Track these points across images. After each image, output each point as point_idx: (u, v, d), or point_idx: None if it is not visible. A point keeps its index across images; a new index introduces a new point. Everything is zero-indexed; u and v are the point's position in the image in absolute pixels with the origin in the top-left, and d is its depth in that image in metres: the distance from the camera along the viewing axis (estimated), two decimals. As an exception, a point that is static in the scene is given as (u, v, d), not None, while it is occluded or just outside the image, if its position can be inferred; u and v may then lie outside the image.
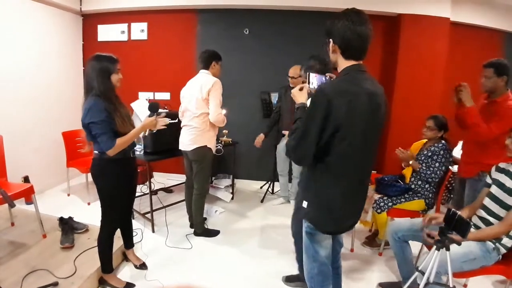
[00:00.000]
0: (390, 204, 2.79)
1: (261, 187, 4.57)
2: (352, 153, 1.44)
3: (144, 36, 4.63)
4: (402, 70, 4.05)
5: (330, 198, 1.51)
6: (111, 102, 2.01)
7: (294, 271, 2.61)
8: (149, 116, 2.21)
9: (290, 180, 4.10)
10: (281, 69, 4.28)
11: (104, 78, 1.99)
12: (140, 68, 4.69)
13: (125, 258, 2.66)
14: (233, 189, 4.31)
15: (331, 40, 1.48)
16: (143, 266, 2.57)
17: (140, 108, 3.13)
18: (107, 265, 2.27)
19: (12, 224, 2.93)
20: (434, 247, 1.74)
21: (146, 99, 2.41)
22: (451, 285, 1.73)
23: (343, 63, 1.48)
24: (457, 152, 4.09)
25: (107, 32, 4.72)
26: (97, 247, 2.24)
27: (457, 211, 1.71)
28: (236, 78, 4.36)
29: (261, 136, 3.97)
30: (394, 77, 4.10)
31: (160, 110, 2.53)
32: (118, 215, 2.28)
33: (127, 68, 4.67)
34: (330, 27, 1.47)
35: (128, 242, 2.60)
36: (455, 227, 1.68)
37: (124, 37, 4.69)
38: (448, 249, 1.70)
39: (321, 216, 1.56)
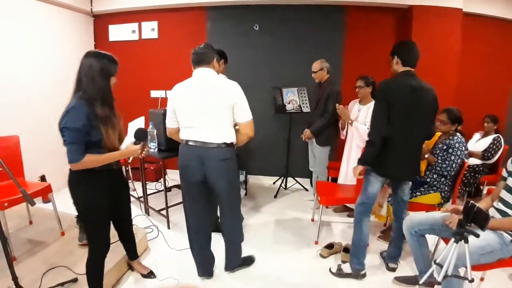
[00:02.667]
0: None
1: (274, 183, 4.57)
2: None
3: (155, 35, 4.66)
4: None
5: None
6: (108, 108, 1.79)
7: (311, 264, 2.63)
8: (135, 143, 1.96)
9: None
10: (292, 64, 4.29)
11: (104, 79, 1.77)
12: (151, 67, 4.74)
13: (130, 267, 2.53)
14: (246, 185, 4.32)
15: (395, 56, 2.26)
16: (150, 274, 2.46)
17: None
18: None
19: (31, 222, 2.99)
20: (453, 239, 1.72)
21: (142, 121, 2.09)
22: (469, 278, 1.71)
23: (400, 69, 2.24)
24: (472, 144, 4.04)
25: (118, 32, 4.76)
26: (85, 273, 1.98)
27: (476, 203, 1.69)
28: (247, 74, 4.35)
29: (306, 132, 3.79)
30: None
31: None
32: (104, 237, 1.96)
33: (138, 67, 4.78)
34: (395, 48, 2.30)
35: (132, 254, 2.45)
36: (473, 219, 1.66)
37: (135, 37, 4.72)
38: (466, 241, 1.68)
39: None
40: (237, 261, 2.54)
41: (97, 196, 1.84)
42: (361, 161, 2.35)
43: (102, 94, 1.76)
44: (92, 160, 1.72)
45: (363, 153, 2.35)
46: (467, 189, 3.95)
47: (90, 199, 1.82)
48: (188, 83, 2.16)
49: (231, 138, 2.16)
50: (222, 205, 2.33)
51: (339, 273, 2.54)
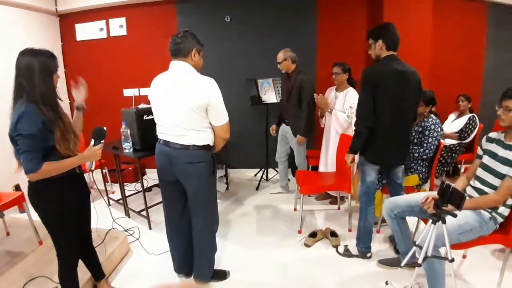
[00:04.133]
0: (384, 181, 2.78)
1: (255, 175, 4.55)
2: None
3: (123, 31, 4.51)
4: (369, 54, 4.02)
5: None
6: (52, 110, 1.61)
7: (294, 256, 2.64)
8: (94, 144, 1.77)
9: (290, 167, 4.09)
10: (266, 55, 4.23)
11: (46, 78, 1.59)
12: (122, 65, 4.60)
13: None
14: (227, 179, 4.29)
15: (380, 40, 2.22)
16: None
17: None
18: None
19: (8, 233, 2.89)
20: (430, 220, 1.73)
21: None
22: (449, 258, 1.73)
23: (384, 54, 2.24)
24: (448, 125, 4.12)
25: (86, 31, 4.59)
26: (60, 284, 1.86)
27: (451, 183, 1.70)
28: (220, 67, 4.27)
29: (272, 127, 3.92)
30: (380, 55, 4.06)
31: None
32: (74, 245, 1.86)
33: (109, 66, 4.65)
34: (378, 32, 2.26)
35: (98, 273, 2.18)
36: (449, 199, 1.67)
37: (103, 35, 4.56)
38: (444, 222, 1.69)
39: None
40: (206, 273, 2.31)
41: (64, 204, 1.72)
42: (351, 150, 2.40)
43: (49, 92, 1.61)
44: (51, 168, 1.57)
45: (351, 142, 2.37)
46: (445, 169, 4.03)
47: (57, 209, 1.70)
48: (163, 78, 2.02)
49: (203, 140, 2.02)
50: (193, 210, 2.17)
51: (346, 254, 2.62)
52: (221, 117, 2.02)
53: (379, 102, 2.19)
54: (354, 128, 2.34)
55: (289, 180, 4.12)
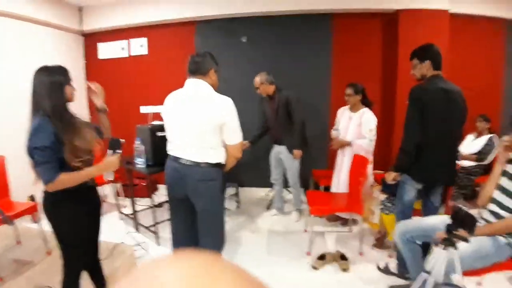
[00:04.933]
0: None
1: (266, 194, 4.51)
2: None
3: (144, 51, 4.68)
4: (404, 67, 3.93)
5: None
6: (63, 122, 1.66)
7: (301, 278, 2.56)
8: (112, 154, 1.83)
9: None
10: (282, 74, 4.26)
11: (57, 92, 1.67)
12: (141, 83, 4.75)
13: None
14: (238, 198, 4.26)
15: (427, 60, 2.24)
16: None
17: None
18: None
19: (18, 242, 2.96)
20: (442, 246, 1.65)
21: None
22: (461, 286, 1.64)
23: (430, 73, 2.25)
24: (466, 145, 3.99)
25: (108, 50, 4.79)
26: None
27: (463, 207, 1.63)
28: (236, 86, 4.33)
29: (245, 143, 3.66)
30: (396, 75, 4.02)
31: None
32: (82, 257, 1.89)
33: (129, 84, 4.80)
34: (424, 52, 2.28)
35: (101, 286, 2.16)
36: (462, 224, 1.60)
37: (125, 53, 4.74)
38: (455, 247, 1.62)
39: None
40: None
41: (76, 216, 1.75)
42: (397, 169, 2.35)
43: (59, 105, 1.68)
44: (68, 178, 1.62)
45: (397, 161, 2.34)
46: (463, 191, 3.88)
47: (69, 221, 1.73)
48: (178, 95, 2.05)
49: (216, 158, 2.02)
50: (201, 227, 2.15)
51: (385, 270, 2.59)
52: (236, 136, 2.04)
53: (427, 120, 2.19)
54: (401, 146, 2.31)
55: (284, 201, 4.04)
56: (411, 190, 2.34)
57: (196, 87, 2.00)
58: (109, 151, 1.84)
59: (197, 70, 2.01)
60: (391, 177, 2.37)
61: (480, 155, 3.78)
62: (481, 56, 4.35)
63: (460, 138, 2.44)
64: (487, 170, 3.85)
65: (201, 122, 1.93)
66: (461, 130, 2.40)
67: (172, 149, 2.09)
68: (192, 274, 0.26)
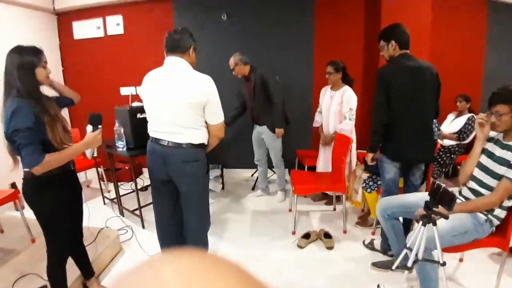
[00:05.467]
0: (379, 182, 2.75)
1: (252, 175, 4.52)
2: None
3: (120, 30, 4.50)
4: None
5: None
6: (40, 104, 1.62)
7: (286, 257, 2.60)
8: (92, 130, 1.78)
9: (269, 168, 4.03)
10: (263, 52, 4.20)
11: (27, 74, 1.60)
12: (119, 64, 4.59)
13: None
14: (223, 179, 4.26)
15: (392, 40, 2.24)
16: None
17: None
18: None
19: (1, 231, 2.90)
20: (420, 222, 1.70)
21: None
22: (441, 261, 1.70)
23: (397, 53, 2.26)
24: (447, 125, 4.07)
25: (83, 29, 4.58)
26: (48, 280, 1.89)
27: (442, 184, 1.66)
28: (216, 65, 4.23)
29: None
30: (377, 54, 3.99)
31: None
32: (66, 240, 1.87)
33: (106, 65, 4.64)
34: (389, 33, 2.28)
35: (87, 271, 2.18)
36: (440, 200, 1.63)
37: (101, 33, 4.55)
38: (434, 224, 1.66)
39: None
40: None
41: (57, 200, 1.74)
42: (370, 149, 2.42)
43: (32, 88, 1.62)
44: (53, 159, 1.59)
45: (370, 140, 2.40)
46: (444, 170, 3.99)
47: (51, 205, 1.72)
48: (157, 74, 1.97)
49: (199, 139, 1.99)
50: (185, 209, 2.15)
51: (369, 247, 2.67)
52: (218, 116, 2.01)
53: (395, 99, 2.22)
54: (371, 127, 2.35)
55: (269, 182, 4.07)
56: (390, 168, 2.38)
57: (175, 65, 1.95)
58: (89, 127, 1.79)
59: (176, 48, 1.94)
60: (369, 158, 2.44)
61: (460, 134, 3.86)
62: (463, 35, 4.37)
63: (434, 115, 2.45)
64: (467, 149, 3.95)
65: (181, 102, 1.88)
66: (435, 106, 2.40)
67: (153, 130, 2.04)
68: (192, 273, 0.26)
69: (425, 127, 2.34)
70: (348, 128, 3.15)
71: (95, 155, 1.88)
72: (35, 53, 1.65)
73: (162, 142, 1.98)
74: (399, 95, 2.21)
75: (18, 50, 1.61)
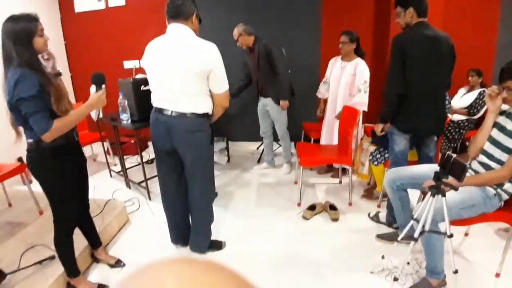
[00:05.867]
0: (386, 155, 2.72)
1: (257, 148, 4.49)
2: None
3: (121, 1, 4.38)
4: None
5: None
6: (42, 74, 1.58)
7: (292, 228, 2.62)
8: (96, 90, 1.75)
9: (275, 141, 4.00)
10: (271, 23, 4.07)
11: (24, 44, 1.55)
12: (122, 36, 4.50)
13: (95, 259, 2.30)
14: (228, 152, 4.25)
15: (410, 7, 2.11)
16: (118, 263, 2.24)
17: None
18: (71, 269, 1.95)
19: (10, 205, 2.94)
20: (429, 193, 1.67)
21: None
22: (448, 233, 1.68)
23: (415, 21, 2.14)
24: (457, 100, 3.97)
25: (84, 2, 4.48)
26: (56, 251, 1.92)
27: (453, 154, 1.62)
28: (223, 36, 4.11)
29: None
30: (388, 25, 3.87)
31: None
32: (72, 211, 1.89)
33: (108, 38, 4.56)
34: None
35: (94, 241, 2.23)
36: (451, 171, 1.60)
37: (102, 5, 4.44)
38: (443, 195, 1.63)
39: None
40: (203, 244, 2.33)
41: (62, 171, 1.73)
42: (381, 120, 2.35)
43: (31, 57, 1.57)
44: (62, 124, 1.58)
45: (381, 111, 2.33)
46: (452, 145, 3.92)
47: (56, 176, 1.72)
48: (160, 42, 1.91)
49: (203, 108, 1.96)
50: (190, 180, 2.14)
51: (375, 219, 2.66)
52: (222, 84, 1.97)
53: (410, 68, 2.13)
54: (383, 96, 2.29)
55: (275, 155, 4.05)
56: (400, 140, 2.32)
57: (178, 32, 1.88)
58: (93, 87, 1.76)
59: (178, 14, 1.86)
60: (379, 128, 2.37)
61: (471, 109, 3.77)
62: (477, 9, 4.19)
63: (447, 87, 2.38)
64: (477, 124, 3.87)
65: (185, 69, 1.83)
66: (449, 78, 2.33)
67: (156, 100, 1.99)
68: (192, 279, 0.27)
69: (438, 99, 2.28)
70: (364, 101, 3.10)
71: (101, 116, 1.86)
72: (30, 21, 1.58)
73: (165, 112, 1.95)
74: (414, 64, 2.12)
75: (13, 20, 1.56)
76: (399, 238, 1.91)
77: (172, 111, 1.93)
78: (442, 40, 2.14)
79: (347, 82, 3.18)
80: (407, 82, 2.15)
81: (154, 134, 2.08)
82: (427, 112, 2.22)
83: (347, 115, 3.04)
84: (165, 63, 1.87)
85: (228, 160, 4.22)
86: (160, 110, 1.98)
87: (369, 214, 2.73)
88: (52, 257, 2.09)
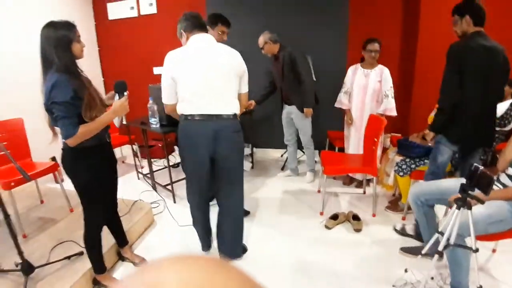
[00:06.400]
0: (413, 166, 2.67)
1: (281, 155, 4.51)
2: None
3: (153, 10, 4.54)
4: (425, 25, 3.74)
5: None
6: (78, 79, 1.66)
7: (313, 237, 2.61)
8: (119, 98, 1.82)
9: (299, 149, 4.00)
10: (297, 31, 4.08)
11: (64, 49, 1.62)
12: (153, 43, 4.66)
13: (121, 258, 2.38)
14: (252, 158, 4.29)
15: (467, 15, 2.08)
16: (143, 262, 2.30)
17: None
18: (98, 265, 2.04)
19: (42, 201, 3.08)
20: (455, 205, 1.63)
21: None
22: (473, 248, 1.63)
23: (471, 30, 2.10)
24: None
25: (117, 10, 4.68)
26: (85, 248, 2.01)
27: (480, 166, 1.58)
28: (249, 43, 4.18)
29: (251, 102, 3.61)
30: (416, 33, 3.81)
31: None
32: (101, 210, 1.98)
33: (140, 44, 4.73)
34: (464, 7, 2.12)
35: (121, 239, 2.31)
36: (477, 184, 1.56)
37: (134, 13, 4.63)
38: (470, 208, 1.59)
39: None
40: (240, 248, 2.37)
41: (93, 170, 1.82)
42: (433, 128, 2.30)
43: (69, 62, 1.65)
44: (86, 130, 1.65)
45: (433, 120, 2.28)
46: (482, 157, 3.78)
47: (87, 175, 1.81)
48: (188, 51, 1.91)
49: (237, 109, 2.05)
50: (230, 184, 2.16)
51: (400, 232, 2.61)
52: (247, 84, 2.13)
53: (466, 78, 2.08)
54: (438, 105, 2.23)
55: (298, 162, 4.03)
56: (446, 151, 2.25)
57: (211, 40, 1.99)
58: (115, 95, 1.84)
59: (204, 25, 2.03)
60: (429, 137, 2.33)
61: (501, 120, 3.63)
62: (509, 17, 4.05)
63: (500, 99, 2.31)
64: (508, 136, 3.72)
65: (230, 72, 1.96)
66: (502, 91, 2.28)
67: (197, 107, 1.93)
68: (195, 278, 0.26)
69: (491, 111, 2.22)
70: (393, 105, 3.09)
71: (124, 122, 1.91)
72: (69, 27, 1.67)
73: (212, 117, 1.94)
74: (471, 75, 2.06)
75: (53, 26, 1.64)
76: (423, 251, 1.87)
77: (220, 115, 1.95)
78: (499, 52, 2.09)
79: (374, 89, 3.15)
80: (462, 92, 2.09)
81: (190, 144, 2.01)
82: (480, 124, 2.16)
83: (372, 124, 3.01)
84: (210, 69, 1.90)
85: (252, 167, 4.26)
86: (199, 117, 1.94)
87: (394, 227, 2.67)
88: (81, 253, 2.19)
